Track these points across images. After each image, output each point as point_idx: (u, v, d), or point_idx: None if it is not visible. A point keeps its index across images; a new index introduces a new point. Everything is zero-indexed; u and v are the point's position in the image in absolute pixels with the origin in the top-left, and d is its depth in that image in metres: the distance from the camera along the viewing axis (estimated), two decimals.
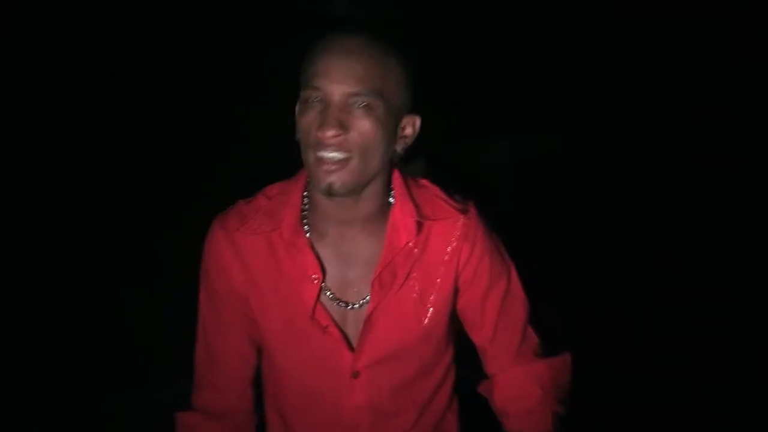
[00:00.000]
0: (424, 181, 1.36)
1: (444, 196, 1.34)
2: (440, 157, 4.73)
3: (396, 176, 1.29)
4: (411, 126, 1.24)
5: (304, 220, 1.25)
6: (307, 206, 1.26)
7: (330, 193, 1.16)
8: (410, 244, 1.25)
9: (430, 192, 1.33)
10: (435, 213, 1.28)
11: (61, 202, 3.22)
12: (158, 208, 3.26)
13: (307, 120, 1.15)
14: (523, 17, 3.84)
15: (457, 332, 1.44)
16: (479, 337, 1.39)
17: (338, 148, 1.13)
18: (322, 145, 1.13)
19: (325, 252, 1.25)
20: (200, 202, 3.30)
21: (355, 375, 1.27)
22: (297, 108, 1.22)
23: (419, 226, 1.25)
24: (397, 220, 1.25)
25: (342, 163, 1.14)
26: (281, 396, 1.35)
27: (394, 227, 1.25)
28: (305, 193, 1.26)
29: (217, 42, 3.39)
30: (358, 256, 1.26)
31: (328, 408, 1.30)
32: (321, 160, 1.14)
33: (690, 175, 4.04)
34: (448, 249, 1.29)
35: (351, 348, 1.27)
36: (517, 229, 4.58)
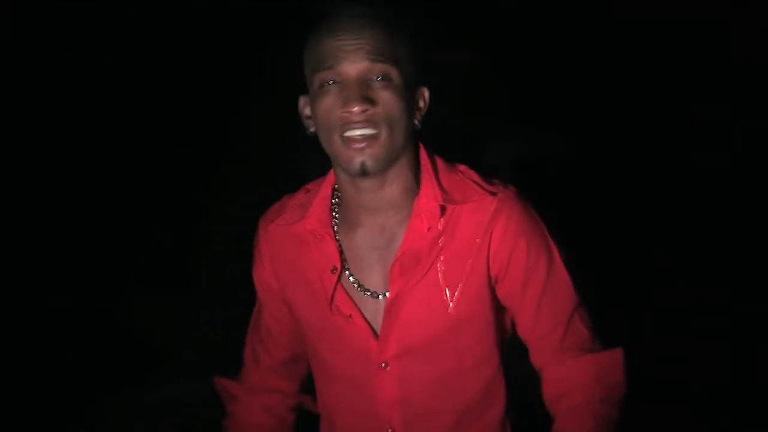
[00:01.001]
0: (461, 166, 1.34)
1: (479, 179, 1.31)
2: (441, 157, 4.73)
3: (423, 157, 1.28)
4: (422, 98, 1.23)
5: (334, 212, 1.25)
6: (336, 199, 1.26)
7: (363, 172, 1.14)
8: (432, 229, 1.22)
9: (465, 175, 1.31)
10: (465, 196, 1.25)
11: (61, 201, 3.22)
12: (159, 208, 3.26)
13: (326, 104, 1.13)
14: (523, 17, 3.84)
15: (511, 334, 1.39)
16: (522, 326, 1.34)
17: (366, 124, 1.11)
18: (349, 123, 1.12)
19: (352, 242, 1.25)
20: (201, 202, 3.31)
21: (385, 365, 1.25)
22: (305, 100, 1.21)
23: (443, 210, 1.22)
24: (422, 204, 1.23)
25: (372, 139, 1.12)
26: (322, 385, 1.36)
27: (417, 212, 1.22)
28: (336, 185, 1.26)
29: (217, 42, 3.39)
30: (387, 244, 1.24)
31: (363, 399, 1.28)
32: (349, 140, 1.12)
33: (690, 175, 4.04)
34: (480, 231, 1.25)
35: (377, 338, 1.26)
36: None
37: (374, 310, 1.26)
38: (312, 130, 1.22)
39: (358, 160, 1.13)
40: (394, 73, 1.13)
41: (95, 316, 3.06)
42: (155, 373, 2.82)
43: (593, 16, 3.90)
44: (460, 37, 3.85)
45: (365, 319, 1.26)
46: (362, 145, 1.12)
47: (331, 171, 1.28)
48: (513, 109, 4.03)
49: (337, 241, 1.24)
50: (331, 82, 1.12)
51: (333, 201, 1.26)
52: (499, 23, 3.87)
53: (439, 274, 1.24)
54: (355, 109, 1.10)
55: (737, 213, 3.93)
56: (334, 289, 1.25)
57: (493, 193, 1.28)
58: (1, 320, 2.94)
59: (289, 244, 1.28)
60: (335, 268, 1.23)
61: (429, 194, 1.22)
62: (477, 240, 1.25)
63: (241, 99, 3.43)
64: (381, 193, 1.20)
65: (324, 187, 1.27)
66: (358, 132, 1.12)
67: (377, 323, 1.25)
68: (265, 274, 1.34)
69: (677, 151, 4.09)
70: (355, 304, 1.25)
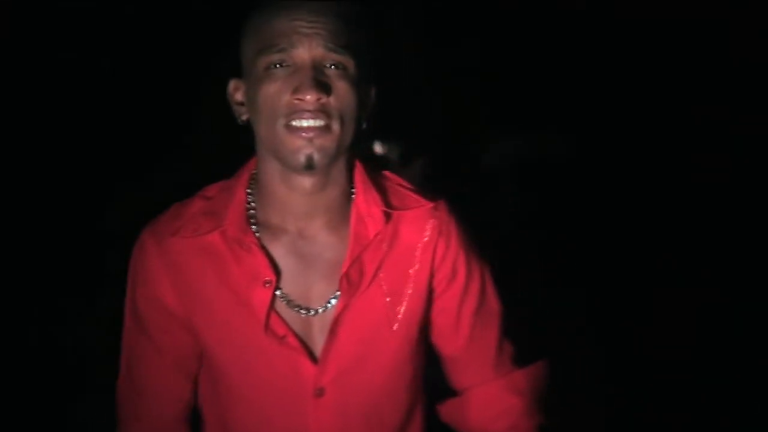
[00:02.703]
0: (386, 172, 1.24)
1: (409, 186, 1.22)
2: (440, 158, 4.73)
3: (356, 162, 1.16)
4: (372, 97, 1.13)
5: (252, 219, 1.11)
6: (252, 203, 1.12)
7: (309, 166, 1.02)
8: (379, 236, 1.11)
9: (394, 182, 1.21)
10: (403, 203, 1.16)
11: (62, 201, 3.22)
12: (160, 208, 3.26)
13: (272, 89, 1.01)
14: (523, 16, 3.84)
15: (425, 353, 1.28)
16: (452, 344, 1.24)
17: (318, 114, 1.00)
18: (297, 111, 1.00)
19: (279, 252, 1.10)
20: None
21: (320, 393, 1.09)
22: (236, 84, 1.09)
23: (387, 216, 1.12)
24: (362, 210, 1.12)
25: (322, 130, 1.01)
26: (231, 429, 1.15)
27: (359, 218, 1.11)
28: (249, 190, 1.13)
29: (217, 42, 3.39)
30: (319, 254, 1.11)
31: None
32: (297, 130, 1.01)
33: (690, 174, 4.04)
34: (420, 243, 1.15)
35: (314, 360, 1.10)
36: (516, 229, 4.58)
37: (307, 329, 1.11)
38: (244, 118, 1.11)
39: (304, 152, 1.01)
40: (350, 64, 1.02)
41: (96, 316, 3.06)
42: None
43: (593, 16, 3.90)
44: (460, 37, 3.85)
45: (299, 338, 1.11)
46: (311, 134, 1.01)
47: (243, 173, 1.16)
48: (513, 109, 4.03)
49: (265, 250, 1.08)
50: (279, 65, 1.01)
51: (248, 206, 1.11)
52: (499, 23, 3.87)
53: (385, 285, 1.13)
54: (309, 96, 0.99)
55: (736, 213, 3.93)
56: (270, 305, 1.08)
57: (431, 201, 1.20)
58: (2, 320, 2.94)
59: (196, 258, 1.09)
60: (269, 281, 1.07)
61: (369, 199, 1.12)
62: (418, 251, 1.16)
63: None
64: (320, 194, 1.09)
65: (237, 191, 1.12)
66: (308, 122, 1.01)
67: (312, 344, 1.11)
68: (167, 301, 1.10)
69: (677, 151, 4.09)
70: (287, 323, 1.10)
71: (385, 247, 1.13)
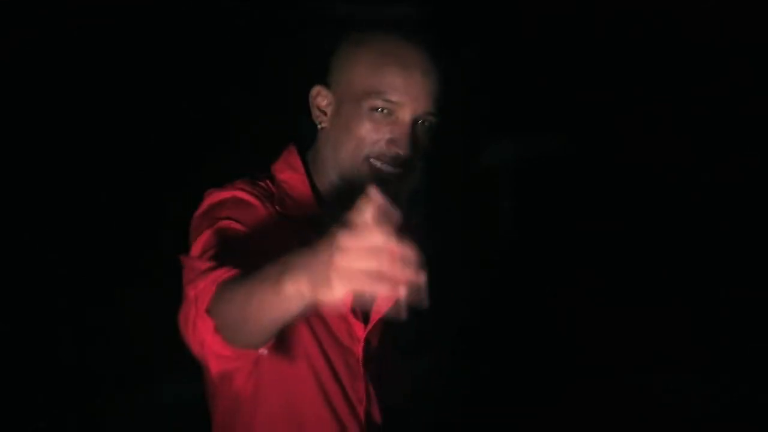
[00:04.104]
0: None
1: None
2: (440, 157, 4.73)
3: None
4: None
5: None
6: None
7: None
8: None
9: None
10: None
11: (63, 201, 3.22)
12: (161, 208, 3.26)
13: (370, 127, 1.12)
14: (524, 16, 3.84)
15: None
16: None
17: (399, 165, 1.13)
18: (384, 157, 1.13)
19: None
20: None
21: (364, 342, 1.26)
22: (324, 93, 1.19)
23: None
24: None
25: (396, 177, 1.14)
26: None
27: None
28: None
29: (219, 42, 3.40)
30: None
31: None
32: (376, 169, 1.14)
33: (690, 174, 4.04)
34: None
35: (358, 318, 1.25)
36: (516, 229, 4.58)
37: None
38: (323, 125, 1.20)
39: (379, 187, 1.13)
40: (437, 121, 1.16)
41: (97, 315, 3.07)
42: (156, 374, 2.81)
43: (593, 15, 3.90)
44: (460, 37, 3.85)
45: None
46: (388, 177, 1.13)
47: (296, 164, 1.24)
48: (514, 109, 4.03)
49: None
50: (383, 110, 1.12)
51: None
52: (500, 22, 3.87)
53: None
54: (402, 153, 1.12)
55: (737, 212, 3.93)
56: None
57: None
58: (3, 320, 2.95)
59: (280, 227, 1.17)
60: None
61: None
62: None
63: (246, 100, 3.43)
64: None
65: (301, 179, 1.21)
66: (388, 168, 1.14)
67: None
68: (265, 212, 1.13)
69: (676, 151, 4.10)
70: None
71: None
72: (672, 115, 4.08)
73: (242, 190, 1.17)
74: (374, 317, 1.26)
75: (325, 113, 1.20)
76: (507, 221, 4.83)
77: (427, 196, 4.80)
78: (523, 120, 4.11)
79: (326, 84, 1.21)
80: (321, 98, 1.20)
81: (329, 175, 1.21)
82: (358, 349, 1.25)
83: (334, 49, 1.23)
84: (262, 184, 1.23)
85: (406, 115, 1.12)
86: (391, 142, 1.13)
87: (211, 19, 3.38)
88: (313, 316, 1.19)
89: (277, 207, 1.19)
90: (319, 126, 1.21)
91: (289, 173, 1.24)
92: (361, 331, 1.25)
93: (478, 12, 3.74)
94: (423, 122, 1.15)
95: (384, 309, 1.25)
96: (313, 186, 1.24)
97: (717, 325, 3.45)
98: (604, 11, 3.82)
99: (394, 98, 1.12)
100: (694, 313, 3.54)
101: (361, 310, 1.24)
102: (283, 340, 1.17)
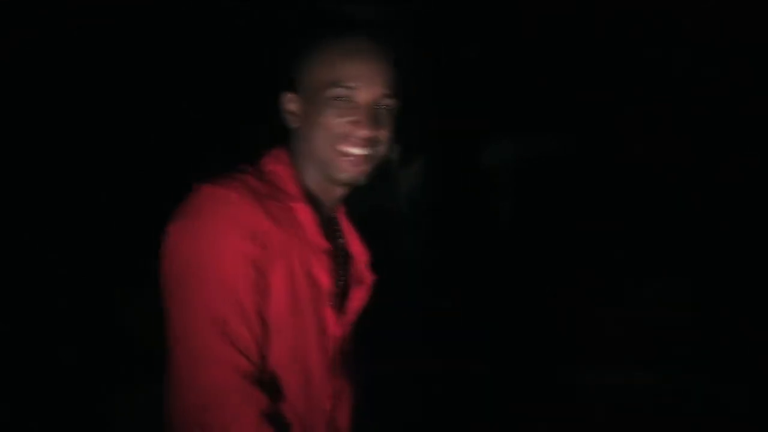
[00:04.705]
0: None
1: None
2: (440, 157, 4.74)
3: None
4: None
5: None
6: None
7: (347, 183, 1.25)
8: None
9: None
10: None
11: (63, 201, 3.23)
12: (161, 207, 3.26)
13: (333, 115, 1.23)
14: (524, 16, 3.84)
15: None
16: None
17: (365, 145, 1.23)
18: (351, 140, 1.22)
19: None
20: None
21: (336, 333, 1.31)
22: (292, 97, 1.29)
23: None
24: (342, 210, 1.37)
25: (366, 158, 1.24)
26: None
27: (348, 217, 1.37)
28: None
29: (219, 42, 3.40)
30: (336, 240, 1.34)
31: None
32: (346, 154, 1.23)
33: (690, 174, 4.04)
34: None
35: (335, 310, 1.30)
36: (516, 228, 4.59)
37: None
38: (296, 126, 1.29)
39: (349, 173, 1.24)
40: (393, 104, 1.26)
41: (98, 316, 3.07)
42: (162, 374, 2.82)
43: (593, 15, 3.91)
44: (460, 38, 3.86)
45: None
46: (357, 160, 1.24)
47: (278, 163, 1.30)
48: (514, 109, 4.04)
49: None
50: (343, 99, 1.23)
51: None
52: (499, 23, 3.88)
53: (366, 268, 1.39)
54: (364, 132, 1.22)
55: (737, 212, 3.94)
56: (329, 270, 1.27)
57: None
58: (6, 320, 2.95)
59: (268, 220, 1.21)
60: (328, 250, 1.26)
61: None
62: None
63: (249, 101, 3.43)
64: (341, 194, 1.31)
65: (286, 173, 1.28)
66: (357, 150, 1.23)
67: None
68: (252, 247, 1.16)
69: (675, 151, 4.10)
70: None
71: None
72: (672, 115, 4.09)
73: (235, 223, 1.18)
74: (349, 315, 1.31)
75: (295, 115, 1.29)
76: (507, 221, 4.84)
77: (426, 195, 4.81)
78: (523, 120, 4.12)
79: (290, 88, 1.31)
80: (290, 103, 1.30)
81: (308, 169, 1.30)
82: (330, 346, 1.29)
83: (297, 55, 1.33)
84: (252, 181, 1.26)
85: (363, 97, 1.23)
86: (353, 123, 1.23)
87: (210, 19, 3.39)
88: (303, 314, 1.25)
89: (272, 202, 1.24)
90: (292, 128, 1.31)
91: (276, 165, 1.31)
92: (334, 328, 1.29)
93: (478, 12, 3.75)
94: (381, 104, 1.25)
95: (357, 306, 1.33)
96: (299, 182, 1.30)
97: (717, 325, 3.45)
98: (604, 11, 3.82)
99: (351, 84, 1.23)
100: (693, 313, 3.55)
101: (335, 307, 1.29)
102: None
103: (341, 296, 1.31)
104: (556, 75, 3.99)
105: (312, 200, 1.29)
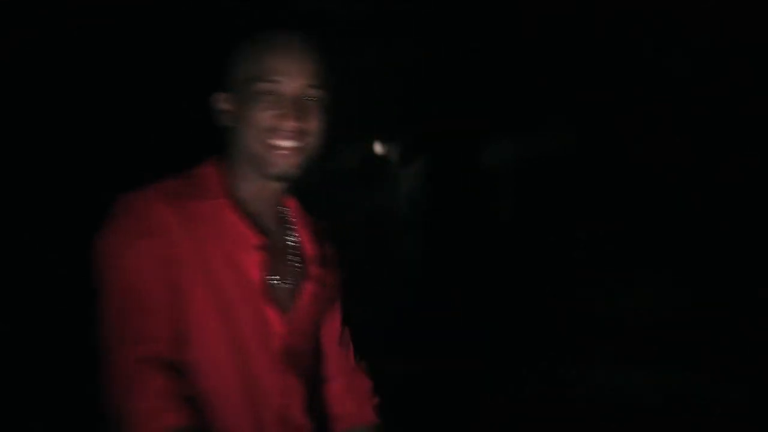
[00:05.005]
0: None
1: None
2: (440, 157, 4.74)
3: None
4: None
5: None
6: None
7: (280, 177, 1.26)
8: (315, 227, 1.37)
9: None
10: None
11: (63, 201, 3.23)
12: None
13: (260, 109, 1.25)
14: (524, 16, 3.85)
15: None
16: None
17: (294, 137, 1.24)
18: (280, 133, 1.24)
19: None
20: None
21: (283, 340, 1.29)
22: (225, 96, 1.30)
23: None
24: (292, 203, 1.36)
25: (296, 150, 1.25)
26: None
27: (299, 212, 1.35)
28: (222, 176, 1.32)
29: (219, 41, 3.40)
30: (278, 236, 1.33)
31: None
32: (275, 147, 1.24)
33: (690, 174, 4.04)
34: (328, 246, 1.37)
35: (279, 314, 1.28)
36: (516, 227, 4.59)
37: (273, 290, 1.30)
38: (229, 125, 1.31)
39: (281, 165, 1.25)
40: (320, 96, 1.28)
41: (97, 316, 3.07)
42: None
43: (593, 15, 3.91)
44: (460, 38, 3.86)
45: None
46: (287, 153, 1.25)
47: (208, 166, 1.32)
48: (514, 109, 4.04)
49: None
50: (269, 93, 1.25)
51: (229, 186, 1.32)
52: (499, 24, 3.88)
53: (319, 266, 1.37)
54: (291, 124, 1.23)
55: (736, 211, 3.94)
56: (261, 266, 1.26)
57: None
58: (7, 320, 2.95)
59: (190, 222, 1.23)
60: (259, 246, 1.25)
61: (297, 201, 1.38)
62: (326, 244, 1.41)
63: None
64: (279, 190, 1.31)
65: (213, 175, 1.30)
66: (286, 143, 1.25)
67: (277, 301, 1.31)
68: (167, 249, 1.20)
69: (674, 150, 4.10)
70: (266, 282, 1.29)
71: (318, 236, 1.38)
72: (672, 115, 4.09)
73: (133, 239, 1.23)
74: (299, 311, 1.31)
75: (228, 113, 1.31)
76: (507, 221, 4.84)
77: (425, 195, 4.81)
78: (523, 120, 4.12)
79: (222, 89, 1.32)
80: (222, 102, 1.32)
81: (242, 166, 1.31)
82: (276, 343, 1.29)
83: (227, 54, 1.36)
84: (173, 185, 1.31)
85: (287, 90, 1.26)
86: (280, 116, 1.25)
87: (210, 19, 3.39)
88: (232, 309, 1.25)
89: (192, 202, 1.26)
90: (226, 127, 1.32)
91: (204, 168, 1.33)
92: (278, 325, 1.29)
93: (478, 12, 3.75)
94: (307, 96, 1.27)
95: (307, 302, 1.32)
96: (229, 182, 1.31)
97: (717, 325, 3.45)
98: (604, 11, 3.82)
99: (275, 77, 1.26)
100: (693, 313, 3.55)
101: (281, 304, 1.29)
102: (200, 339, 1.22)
103: (293, 292, 1.30)
104: (556, 75, 3.99)
105: (249, 197, 1.30)
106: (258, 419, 1.27)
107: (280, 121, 1.24)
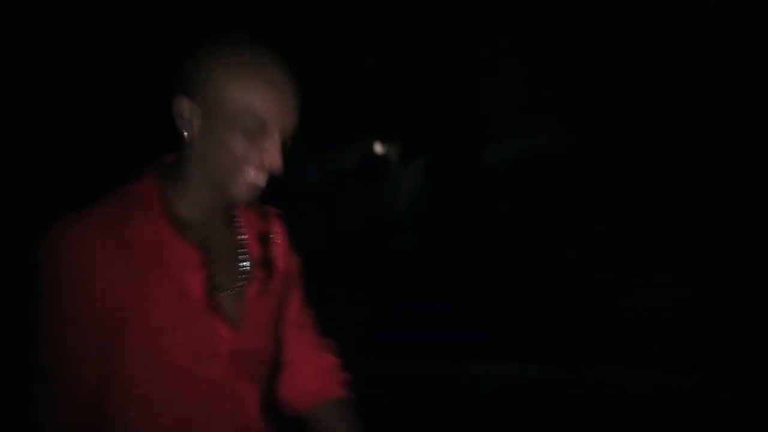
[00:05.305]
0: None
1: None
2: (440, 157, 4.74)
3: None
4: None
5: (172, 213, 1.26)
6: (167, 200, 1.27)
7: (237, 205, 1.23)
8: (273, 235, 1.34)
9: None
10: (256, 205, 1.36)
11: (63, 201, 3.22)
12: None
13: (243, 143, 1.20)
14: (524, 16, 3.84)
15: None
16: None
17: (267, 173, 1.20)
18: (257, 168, 1.19)
19: (197, 242, 1.26)
20: None
21: (231, 352, 1.25)
22: (190, 105, 1.21)
23: (263, 216, 1.33)
24: (251, 214, 1.33)
25: (263, 185, 1.21)
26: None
27: (249, 220, 1.32)
28: (161, 191, 1.24)
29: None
30: (224, 245, 1.29)
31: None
32: (246, 179, 1.19)
33: (690, 174, 4.04)
34: (278, 237, 1.35)
35: (229, 326, 1.24)
36: (516, 227, 4.59)
37: (220, 302, 1.27)
38: (190, 134, 1.22)
39: (243, 198, 1.21)
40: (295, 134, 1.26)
41: None
42: None
43: (592, 16, 3.91)
44: (459, 40, 3.86)
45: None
46: (256, 187, 1.20)
47: (148, 179, 1.26)
48: (513, 110, 4.04)
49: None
50: (256, 125, 1.19)
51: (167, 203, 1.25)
52: (499, 25, 3.87)
53: (273, 272, 1.34)
54: (278, 162, 1.19)
55: (736, 213, 3.93)
56: (204, 285, 1.22)
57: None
58: (7, 319, 2.95)
59: (124, 249, 1.18)
60: (200, 265, 1.22)
61: (254, 206, 1.34)
62: (283, 247, 1.38)
63: None
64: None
65: (150, 193, 1.24)
66: (259, 178, 1.19)
67: (224, 314, 1.27)
68: (100, 286, 1.17)
69: (673, 150, 4.10)
70: (212, 298, 1.26)
71: (273, 243, 1.35)
72: (672, 115, 4.09)
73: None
74: (248, 316, 1.29)
75: (190, 123, 1.21)
76: (507, 221, 4.84)
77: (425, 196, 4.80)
78: (522, 120, 4.12)
79: (188, 93, 1.21)
80: (186, 110, 1.20)
81: (194, 177, 1.25)
82: (224, 349, 1.27)
83: (194, 58, 1.26)
84: (107, 208, 1.26)
85: (278, 129, 1.19)
86: (263, 152, 1.19)
87: (210, 19, 3.38)
88: (176, 327, 1.21)
89: (124, 226, 1.19)
90: (184, 134, 1.21)
91: (140, 185, 1.25)
92: (226, 333, 1.26)
93: (478, 12, 3.75)
94: (290, 136, 1.21)
95: (254, 306, 1.27)
96: (170, 197, 1.25)
97: (717, 325, 3.45)
98: (604, 11, 3.82)
99: (267, 115, 1.19)
100: (693, 313, 3.55)
101: (229, 312, 1.28)
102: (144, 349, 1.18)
103: (240, 297, 1.26)
104: (556, 75, 3.99)
105: (193, 209, 1.26)
106: (208, 425, 1.24)
107: (262, 157, 1.18)
